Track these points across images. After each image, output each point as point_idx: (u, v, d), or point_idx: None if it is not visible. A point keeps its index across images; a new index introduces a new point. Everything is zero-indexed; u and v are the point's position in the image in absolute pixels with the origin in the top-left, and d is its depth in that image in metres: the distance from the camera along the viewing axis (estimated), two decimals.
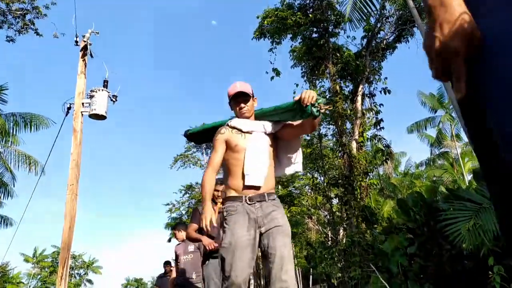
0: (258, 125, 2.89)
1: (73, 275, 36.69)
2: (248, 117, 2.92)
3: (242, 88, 2.87)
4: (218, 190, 4.40)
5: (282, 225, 2.68)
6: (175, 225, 6.56)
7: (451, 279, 6.11)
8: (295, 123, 2.88)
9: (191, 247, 5.73)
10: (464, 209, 4.31)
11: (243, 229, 2.61)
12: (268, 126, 2.90)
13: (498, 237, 4.41)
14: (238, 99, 2.90)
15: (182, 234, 6.13)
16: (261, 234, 2.67)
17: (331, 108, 9.74)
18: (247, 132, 2.85)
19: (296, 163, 2.99)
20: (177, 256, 5.89)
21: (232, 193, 2.74)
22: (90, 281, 39.00)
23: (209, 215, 2.60)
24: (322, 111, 2.55)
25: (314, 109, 2.49)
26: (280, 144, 2.99)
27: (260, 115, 2.97)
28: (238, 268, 2.53)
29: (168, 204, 28.21)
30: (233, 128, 2.88)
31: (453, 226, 4.13)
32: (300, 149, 3.03)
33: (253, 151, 2.77)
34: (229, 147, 2.82)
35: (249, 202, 2.67)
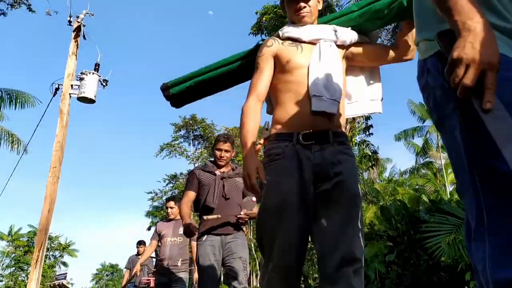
0: (327, 31, 1.96)
1: (48, 257, 36.32)
2: (309, 23, 2.00)
3: None
4: (220, 149, 3.57)
5: (351, 192, 1.74)
6: (169, 198, 5.46)
7: None
8: (381, 45, 2.09)
9: (182, 228, 4.62)
10: (445, 222, 4.36)
11: (292, 182, 1.72)
12: (342, 33, 1.96)
13: None
14: None
15: (177, 211, 5.01)
16: (317, 195, 1.74)
17: None
18: (310, 43, 1.94)
19: (375, 100, 2.07)
20: (160, 236, 5.03)
21: (279, 130, 1.83)
22: (65, 264, 38.63)
23: (254, 167, 1.69)
24: None
25: None
26: (351, 69, 2.07)
27: (326, 22, 2.08)
28: (286, 242, 1.68)
29: (150, 193, 28.11)
30: (286, 39, 1.96)
31: (434, 239, 4.18)
32: (381, 83, 2.12)
33: (320, 67, 1.84)
34: (278, 65, 1.92)
35: (303, 142, 1.76)
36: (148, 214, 29.05)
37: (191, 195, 3.56)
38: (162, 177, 28.19)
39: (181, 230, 4.66)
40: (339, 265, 1.63)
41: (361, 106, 2.08)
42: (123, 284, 7.99)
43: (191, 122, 26.64)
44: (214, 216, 3.37)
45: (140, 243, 7.98)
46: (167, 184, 27.62)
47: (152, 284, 5.64)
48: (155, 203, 28.50)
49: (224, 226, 3.38)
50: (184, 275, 4.91)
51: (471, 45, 0.82)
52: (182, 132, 27.32)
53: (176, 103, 2.30)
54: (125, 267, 8.05)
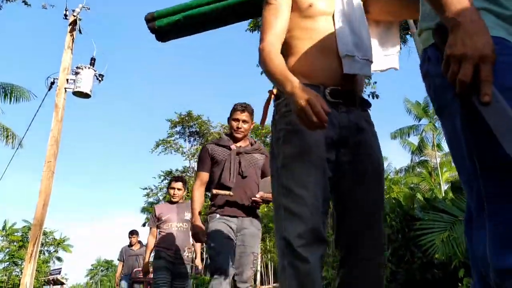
0: None
1: (42, 252, 36.23)
2: None
3: None
4: (238, 120, 3.06)
5: (377, 162, 1.58)
6: (177, 178, 4.60)
7: (421, 286, 6.21)
8: None
9: (188, 214, 4.04)
10: (440, 220, 4.38)
11: (318, 136, 1.45)
12: None
13: None
14: None
15: (182, 194, 4.49)
16: (339, 163, 1.53)
17: None
18: None
19: (391, 55, 1.87)
20: (161, 221, 4.26)
21: (301, 80, 1.47)
22: (59, 259, 38.55)
23: (313, 94, 1.35)
24: None
25: None
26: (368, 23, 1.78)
27: None
28: (311, 194, 1.42)
29: (146, 189, 28.09)
30: None
31: (428, 236, 4.20)
32: (398, 39, 1.91)
33: (346, 19, 1.62)
34: (297, 8, 1.64)
35: (331, 99, 1.52)
36: (143, 210, 29.03)
37: (204, 177, 3.07)
38: (158, 173, 28.17)
39: (186, 215, 4.14)
40: (371, 252, 1.49)
41: (376, 62, 1.79)
42: (117, 277, 7.74)
43: (187, 118, 26.62)
44: (226, 192, 2.93)
45: (132, 233, 7.45)
46: (162, 181, 27.61)
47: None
48: (150, 199, 28.50)
49: (238, 208, 2.95)
50: (188, 269, 4.36)
51: (461, 42, 0.84)
52: (178, 128, 27.30)
53: (161, 37, 2.07)
54: (118, 259, 7.63)
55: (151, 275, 4.69)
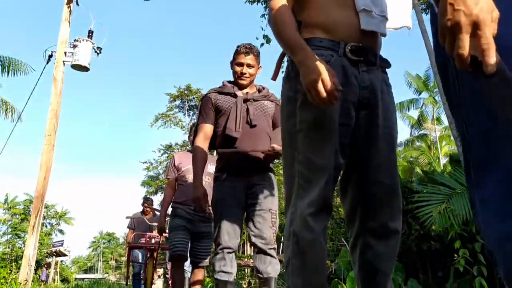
0: None
1: (44, 224, 36.70)
2: None
3: None
4: (242, 64, 2.66)
5: (394, 126, 1.52)
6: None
7: (417, 258, 6.33)
8: None
9: (212, 167, 3.23)
10: (437, 192, 4.42)
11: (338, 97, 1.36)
12: None
13: (467, 222, 4.56)
14: None
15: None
16: (359, 126, 1.47)
17: None
18: None
19: (404, 14, 1.77)
20: (181, 172, 3.74)
21: (319, 35, 1.46)
22: (61, 232, 39.09)
23: (324, 70, 1.30)
24: None
25: None
26: None
27: None
28: (327, 162, 1.38)
29: (145, 162, 28.18)
30: None
31: (425, 208, 4.25)
32: None
33: None
34: None
35: (351, 56, 1.44)
36: (143, 183, 29.22)
37: (207, 129, 2.66)
38: (158, 147, 28.22)
39: (210, 168, 3.39)
40: (390, 219, 1.44)
41: (390, 20, 1.68)
42: (127, 245, 6.71)
43: (186, 92, 26.45)
44: (232, 150, 2.56)
45: (147, 199, 6.83)
46: (162, 154, 27.68)
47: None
48: (150, 173, 28.64)
49: (248, 164, 2.55)
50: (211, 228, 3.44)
51: (452, 7, 0.72)
52: (177, 102, 27.17)
53: None
54: (128, 227, 6.96)
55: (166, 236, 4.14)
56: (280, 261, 2.58)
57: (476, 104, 0.82)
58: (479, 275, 4.53)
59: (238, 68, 2.68)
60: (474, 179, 0.83)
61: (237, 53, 2.69)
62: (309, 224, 1.34)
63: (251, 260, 10.71)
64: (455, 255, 4.80)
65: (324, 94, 1.27)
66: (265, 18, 12.18)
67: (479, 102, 0.81)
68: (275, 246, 2.56)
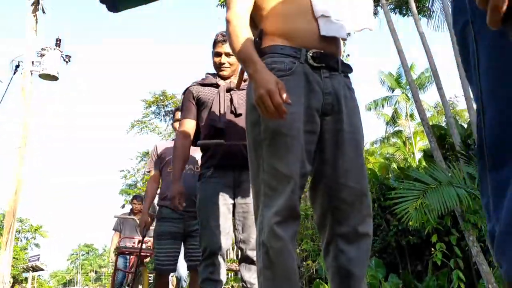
0: None
1: (19, 239, 35.72)
2: None
3: None
4: (220, 54, 2.50)
5: (358, 130, 1.52)
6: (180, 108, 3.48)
7: (396, 253, 6.41)
8: None
9: (199, 154, 2.69)
10: (413, 188, 4.49)
11: (299, 107, 1.39)
12: None
13: (442, 216, 4.64)
14: None
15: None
16: (322, 134, 1.47)
17: None
18: None
19: (365, 15, 1.69)
20: (164, 162, 3.29)
21: (280, 42, 1.46)
22: (37, 245, 38.10)
23: (274, 81, 1.31)
24: None
25: None
26: None
27: None
28: (292, 170, 1.37)
29: (123, 171, 27.75)
30: None
31: (402, 205, 4.30)
32: None
33: None
34: None
35: (313, 62, 1.44)
36: (122, 192, 28.79)
37: (189, 125, 2.47)
38: (135, 155, 27.86)
39: (197, 155, 2.93)
40: (360, 224, 1.43)
41: (350, 23, 1.65)
42: (112, 251, 6.15)
43: (161, 98, 26.21)
44: (216, 141, 2.34)
45: (137, 197, 6.11)
46: (139, 162, 27.33)
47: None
48: (128, 181, 28.24)
49: (236, 157, 2.31)
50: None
51: None
52: (153, 108, 26.89)
53: (112, 7, 1.99)
54: (114, 229, 6.23)
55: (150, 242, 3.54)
56: None
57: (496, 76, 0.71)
58: (456, 268, 4.62)
59: (216, 59, 2.52)
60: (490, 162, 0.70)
61: (214, 42, 2.54)
62: (277, 233, 1.32)
63: (234, 264, 10.63)
64: (432, 249, 4.88)
65: (271, 108, 1.28)
66: None
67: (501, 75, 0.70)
68: None
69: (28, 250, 34.65)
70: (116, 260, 5.13)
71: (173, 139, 3.45)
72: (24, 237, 37.15)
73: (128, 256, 5.46)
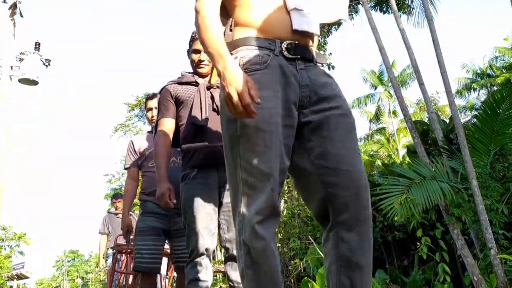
0: None
1: (3, 247, 35.05)
2: None
3: None
4: (199, 51, 2.45)
5: (347, 113, 1.44)
6: (153, 95, 3.39)
7: (383, 249, 6.47)
8: None
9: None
10: (397, 184, 4.52)
11: (277, 101, 1.35)
12: None
13: (427, 210, 4.70)
14: None
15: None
16: (302, 124, 1.42)
17: None
18: None
19: (339, 4, 1.64)
20: (143, 157, 3.14)
21: (253, 34, 1.42)
22: (21, 253, 37.43)
23: (243, 80, 1.26)
24: None
25: None
26: None
27: None
28: (271, 166, 1.31)
29: (107, 175, 27.45)
30: None
31: (387, 200, 4.33)
32: None
33: None
34: None
35: (288, 54, 1.41)
36: (106, 196, 28.48)
37: (168, 124, 2.42)
38: (119, 159, 27.59)
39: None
40: (359, 209, 1.35)
41: (324, 13, 1.59)
42: (101, 254, 5.89)
43: (144, 100, 26.02)
44: (199, 144, 2.27)
45: (117, 196, 5.86)
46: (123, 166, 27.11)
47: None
48: (113, 185, 27.95)
49: (218, 155, 2.20)
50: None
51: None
52: (136, 111, 26.66)
53: None
54: (100, 232, 5.95)
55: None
56: None
57: None
58: (442, 261, 4.68)
59: (195, 56, 2.47)
60: None
61: (192, 40, 2.50)
62: (258, 232, 1.29)
63: (223, 265, 10.61)
64: (418, 243, 4.93)
65: (240, 108, 1.24)
66: None
67: None
68: None
69: (12, 258, 34.03)
70: (115, 260, 4.79)
71: (148, 132, 3.42)
72: (8, 245, 36.49)
73: (120, 257, 5.22)
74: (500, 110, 4.39)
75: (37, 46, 7.94)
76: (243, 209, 1.33)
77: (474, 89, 19.14)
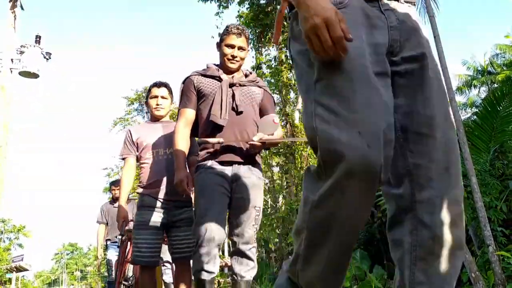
0: None
1: (2, 239, 35.14)
2: None
3: None
4: (233, 46, 2.47)
5: (439, 70, 1.21)
6: (159, 83, 3.14)
7: (381, 245, 6.51)
8: None
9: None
10: None
11: (361, 42, 1.06)
12: None
13: None
14: None
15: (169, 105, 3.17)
16: (395, 77, 1.16)
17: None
18: None
19: None
20: (141, 148, 3.01)
21: None
22: (20, 245, 37.53)
23: (333, 12, 1.00)
24: None
25: None
26: None
27: None
28: (368, 113, 0.98)
29: (106, 169, 27.48)
30: None
31: None
32: None
33: None
34: None
35: None
36: (105, 190, 28.54)
37: (189, 114, 2.45)
38: (118, 153, 27.60)
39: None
40: (448, 186, 1.09)
41: None
42: (99, 245, 5.73)
43: (144, 94, 26.01)
44: (215, 140, 2.30)
45: (115, 183, 5.56)
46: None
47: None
48: (112, 179, 28.00)
49: (233, 153, 2.34)
50: (192, 213, 2.80)
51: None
52: (136, 105, 26.65)
53: None
54: (98, 222, 5.76)
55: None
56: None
57: None
58: None
59: (228, 50, 2.45)
60: None
61: (227, 33, 2.46)
62: (356, 199, 1.01)
63: (223, 260, 10.67)
64: None
65: (329, 42, 0.97)
66: (219, 16, 12.10)
67: None
68: (255, 245, 2.38)
69: (11, 251, 34.10)
70: (125, 247, 4.20)
71: (147, 121, 3.40)
72: (7, 238, 36.58)
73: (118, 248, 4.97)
74: (500, 108, 4.41)
75: (38, 39, 7.92)
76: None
77: (475, 86, 19.11)
